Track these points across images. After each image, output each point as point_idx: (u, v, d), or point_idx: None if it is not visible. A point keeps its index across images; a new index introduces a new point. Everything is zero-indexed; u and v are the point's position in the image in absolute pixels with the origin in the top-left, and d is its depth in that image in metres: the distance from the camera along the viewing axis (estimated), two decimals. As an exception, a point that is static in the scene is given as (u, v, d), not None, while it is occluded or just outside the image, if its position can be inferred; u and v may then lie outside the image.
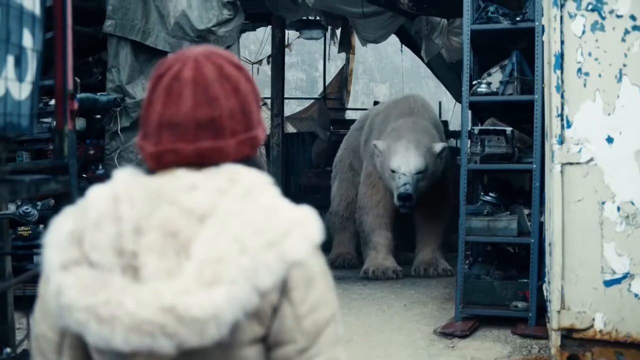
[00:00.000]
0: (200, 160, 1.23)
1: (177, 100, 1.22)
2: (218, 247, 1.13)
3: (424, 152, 6.95)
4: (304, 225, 1.20)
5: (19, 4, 2.02)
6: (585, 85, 3.98)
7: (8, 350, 3.03)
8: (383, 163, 7.12)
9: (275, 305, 1.18)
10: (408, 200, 6.72)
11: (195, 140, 1.22)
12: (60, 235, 1.20)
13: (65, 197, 2.40)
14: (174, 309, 1.09)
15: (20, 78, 2.04)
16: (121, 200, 1.19)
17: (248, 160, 1.27)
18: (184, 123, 1.22)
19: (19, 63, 2.02)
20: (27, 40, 2.07)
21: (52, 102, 5.06)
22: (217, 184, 1.20)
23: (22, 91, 2.05)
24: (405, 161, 6.85)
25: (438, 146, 7.09)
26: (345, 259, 8.15)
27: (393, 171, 6.91)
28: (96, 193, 1.23)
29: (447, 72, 10.25)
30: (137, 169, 1.26)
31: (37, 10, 2.14)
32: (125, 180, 1.22)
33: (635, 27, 3.91)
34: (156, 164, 1.24)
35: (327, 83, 12.76)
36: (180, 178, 1.20)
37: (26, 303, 2.18)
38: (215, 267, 1.12)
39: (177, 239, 1.16)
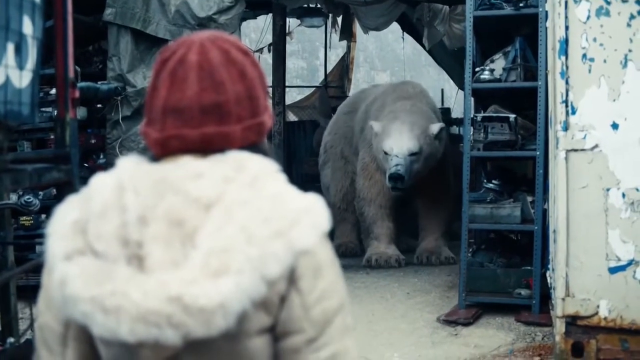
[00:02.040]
0: (206, 147, 1.20)
1: (182, 85, 1.20)
2: (225, 236, 1.11)
3: (418, 134, 6.86)
4: (312, 213, 1.18)
5: (18, -9, 1.99)
6: (590, 71, 3.95)
7: (11, 339, 3.03)
8: (377, 145, 7.06)
9: (283, 294, 1.16)
10: (399, 181, 6.61)
11: (200, 126, 1.19)
12: (64, 225, 1.18)
13: (67, 187, 2.38)
14: (180, 299, 1.07)
15: (20, 66, 2.01)
16: (126, 189, 1.16)
17: (254, 146, 1.24)
18: (189, 108, 1.19)
19: (19, 50, 1.99)
20: (27, 27, 2.04)
21: (53, 91, 5.06)
22: (223, 171, 1.17)
23: (22, 79, 2.03)
24: (398, 143, 6.76)
25: (435, 127, 7.02)
26: (347, 247, 8.14)
27: (386, 153, 6.85)
28: (100, 182, 1.20)
29: (449, 59, 10.21)
30: (142, 156, 1.23)
31: (37, -3, 2.11)
32: (130, 168, 1.20)
33: (640, 12, 3.87)
34: (161, 151, 1.22)
35: (328, 71, 12.71)
36: (186, 165, 1.18)
37: (29, 293, 2.16)
38: (222, 256, 1.10)
39: (183, 228, 1.13)
